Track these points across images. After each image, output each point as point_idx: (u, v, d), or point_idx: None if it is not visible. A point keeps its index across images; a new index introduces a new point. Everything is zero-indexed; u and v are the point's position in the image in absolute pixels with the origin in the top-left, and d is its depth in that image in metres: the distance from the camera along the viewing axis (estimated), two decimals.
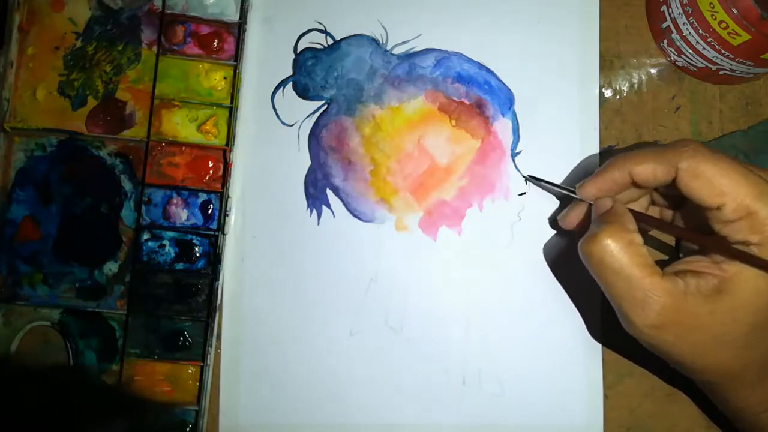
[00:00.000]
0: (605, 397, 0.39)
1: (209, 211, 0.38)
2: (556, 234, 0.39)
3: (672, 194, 0.33)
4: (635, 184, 0.33)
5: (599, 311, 0.39)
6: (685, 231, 0.34)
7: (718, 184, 0.30)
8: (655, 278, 0.30)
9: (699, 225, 0.33)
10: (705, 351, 0.31)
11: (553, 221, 0.39)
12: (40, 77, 0.39)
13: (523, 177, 0.39)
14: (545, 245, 0.39)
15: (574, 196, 0.35)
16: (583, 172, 0.39)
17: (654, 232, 0.38)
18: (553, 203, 0.40)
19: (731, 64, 0.38)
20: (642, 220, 0.33)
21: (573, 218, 0.36)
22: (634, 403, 0.39)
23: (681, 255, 0.37)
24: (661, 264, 0.32)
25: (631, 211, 0.33)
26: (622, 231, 0.31)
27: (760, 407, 0.33)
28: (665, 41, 0.40)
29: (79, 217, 0.39)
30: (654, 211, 0.37)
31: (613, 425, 0.39)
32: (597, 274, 0.31)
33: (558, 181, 0.39)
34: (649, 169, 0.32)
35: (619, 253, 0.30)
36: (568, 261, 0.39)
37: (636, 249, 0.30)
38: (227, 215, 0.38)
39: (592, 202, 0.34)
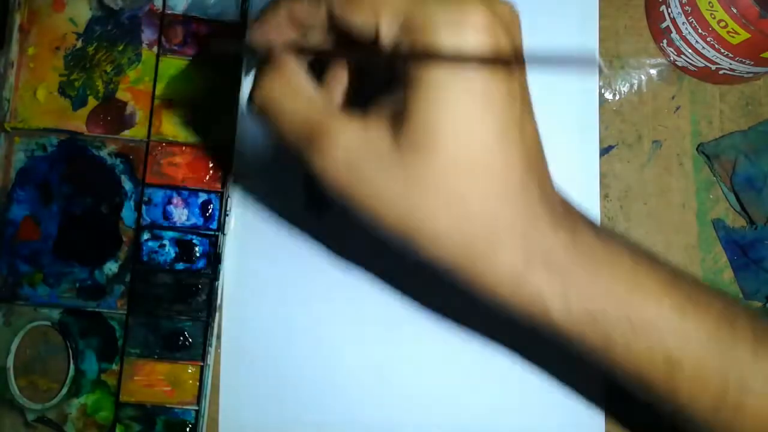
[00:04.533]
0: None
1: (209, 211, 0.39)
2: None
3: None
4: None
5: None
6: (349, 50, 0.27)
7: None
8: (332, 113, 0.25)
9: None
10: (402, 203, 0.24)
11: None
12: (41, 77, 0.39)
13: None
14: None
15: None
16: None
17: None
18: None
19: (731, 64, 0.38)
20: (308, 53, 0.27)
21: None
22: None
23: None
24: None
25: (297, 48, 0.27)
26: (284, 70, 0.26)
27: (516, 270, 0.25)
28: (665, 41, 0.40)
29: (79, 217, 0.39)
30: None
31: (614, 428, 0.39)
32: (272, 124, 0.26)
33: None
34: (304, 8, 0.26)
35: (287, 94, 0.25)
36: None
37: (303, 87, 0.26)
38: (227, 215, 0.38)
39: None
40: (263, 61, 0.27)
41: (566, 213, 0.26)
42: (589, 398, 0.39)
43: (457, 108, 0.23)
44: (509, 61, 0.23)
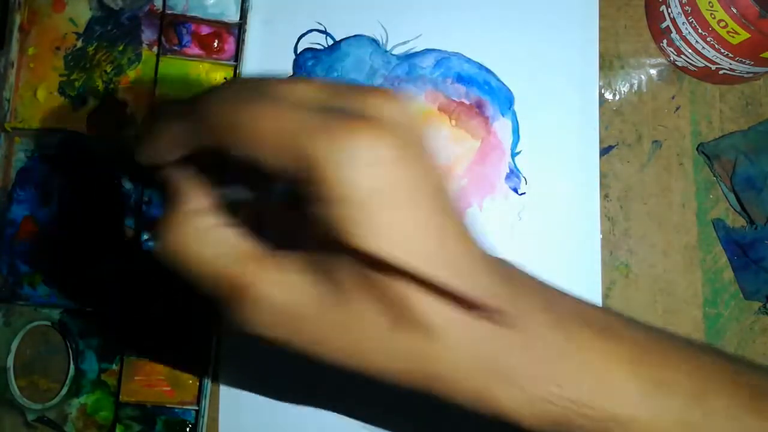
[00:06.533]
0: None
1: None
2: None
3: None
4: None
5: None
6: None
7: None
8: (257, 267, 0.21)
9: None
10: (346, 344, 0.22)
11: None
12: (41, 77, 0.39)
13: None
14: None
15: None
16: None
17: None
18: (555, 203, 0.40)
19: (731, 64, 0.38)
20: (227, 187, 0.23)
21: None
22: None
23: None
24: None
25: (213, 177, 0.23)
26: (189, 211, 0.22)
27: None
28: (665, 41, 0.40)
29: (79, 217, 0.39)
30: None
31: None
32: (182, 274, 0.22)
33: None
34: (179, 134, 0.21)
35: (196, 240, 0.21)
36: None
37: (214, 234, 0.21)
38: None
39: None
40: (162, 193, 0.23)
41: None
42: None
43: None
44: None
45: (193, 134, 0.20)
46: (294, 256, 0.21)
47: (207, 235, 0.21)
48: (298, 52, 0.40)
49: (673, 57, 0.40)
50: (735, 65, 0.38)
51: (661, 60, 0.41)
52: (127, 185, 0.39)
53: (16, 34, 0.39)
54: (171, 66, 0.39)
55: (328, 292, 0.21)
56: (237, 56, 0.39)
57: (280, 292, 0.21)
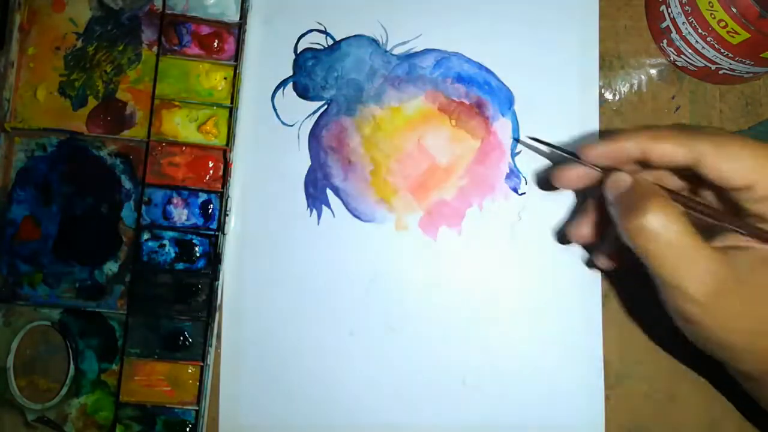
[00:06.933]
0: (606, 398, 0.39)
1: (209, 211, 0.39)
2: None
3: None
4: (641, 162, 0.32)
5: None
6: (729, 218, 0.32)
7: (748, 165, 0.30)
8: (707, 249, 0.29)
9: (714, 201, 0.34)
10: (754, 332, 0.30)
11: (544, 181, 0.39)
12: (41, 77, 0.39)
13: (514, 139, 0.40)
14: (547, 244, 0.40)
15: (574, 159, 0.34)
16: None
17: None
18: (554, 203, 0.40)
19: (731, 64, 0.38)
20: (677, 201, 0.31)
21: (568, 178, 0.35)
22: (635, 404, 0.39)
23: None
24: None
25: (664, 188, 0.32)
26: (669, 202, 0.30)
27: None
28: (665, 41, 0.40)
29: (79, 217, 0.39)
30: None
31: (614, 426, 0.39)
32: (647, 249, 0.30)
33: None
34: (668, 149, 0.31)
35: (672, 225, 0.29)
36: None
37: (685, 220, 0.29)
38: (227, 215, 0.38)
39: (595, 169, 0.34)
40: (633, 188, 0.31)
41: None
42: None
43: None
44: None
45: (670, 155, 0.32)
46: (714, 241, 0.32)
47: (682, 218, 0.29)
48: (298, 52, 0.40)
49: (673, 57, 0.40)
50: (735, 65, 0.38)
51: (661, 60, 0.41)
52: (127, 185, 0.39)
53: (16, 34, 0.39)
54: (171, 66, 0.39)
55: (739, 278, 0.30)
56: (237, 56, 0.39)
57: (724, 268, 0.29)
